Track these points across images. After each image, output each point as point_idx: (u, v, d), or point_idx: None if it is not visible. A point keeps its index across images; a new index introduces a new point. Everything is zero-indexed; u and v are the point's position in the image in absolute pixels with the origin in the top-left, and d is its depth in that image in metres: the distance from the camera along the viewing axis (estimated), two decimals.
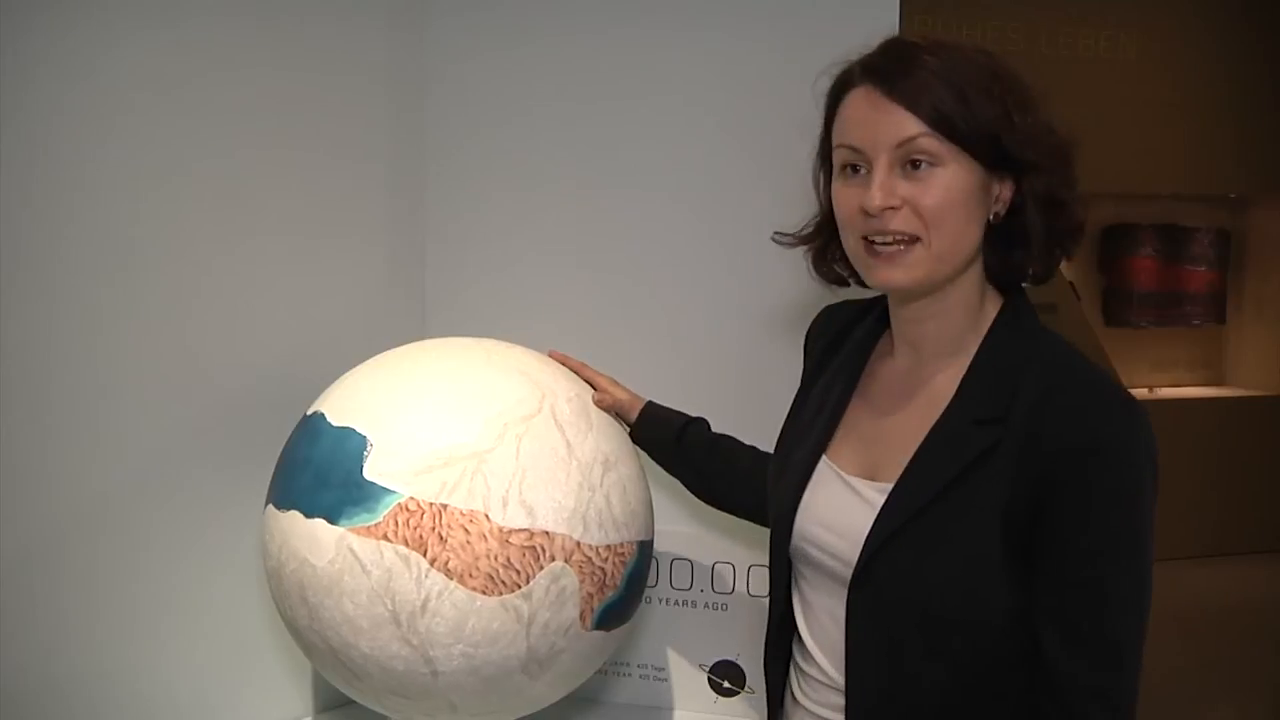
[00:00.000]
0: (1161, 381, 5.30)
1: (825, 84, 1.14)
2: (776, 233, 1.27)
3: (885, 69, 1.08)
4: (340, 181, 1.66)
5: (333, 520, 1.23)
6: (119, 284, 1.39)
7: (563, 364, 1.46)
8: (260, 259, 1.55)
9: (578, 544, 1.25)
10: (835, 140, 1.13)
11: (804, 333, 1.38)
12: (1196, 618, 4.19)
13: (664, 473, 1.53)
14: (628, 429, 1.49)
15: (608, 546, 1.28)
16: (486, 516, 1.21)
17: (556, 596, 1.24)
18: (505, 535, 1.21)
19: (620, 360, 1.56)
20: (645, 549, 1.38)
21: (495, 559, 1.20)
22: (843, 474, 1.17)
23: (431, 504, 1.21)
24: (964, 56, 1.08)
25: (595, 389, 1.46)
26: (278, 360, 1.56)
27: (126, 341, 1.40)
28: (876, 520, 1.10)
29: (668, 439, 1.48)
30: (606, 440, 1.36)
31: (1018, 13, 4.55)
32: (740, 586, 1.66)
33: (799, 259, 1.26)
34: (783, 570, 1.23)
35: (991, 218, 1.11)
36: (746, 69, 1.68)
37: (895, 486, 1.11)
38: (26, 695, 1.33)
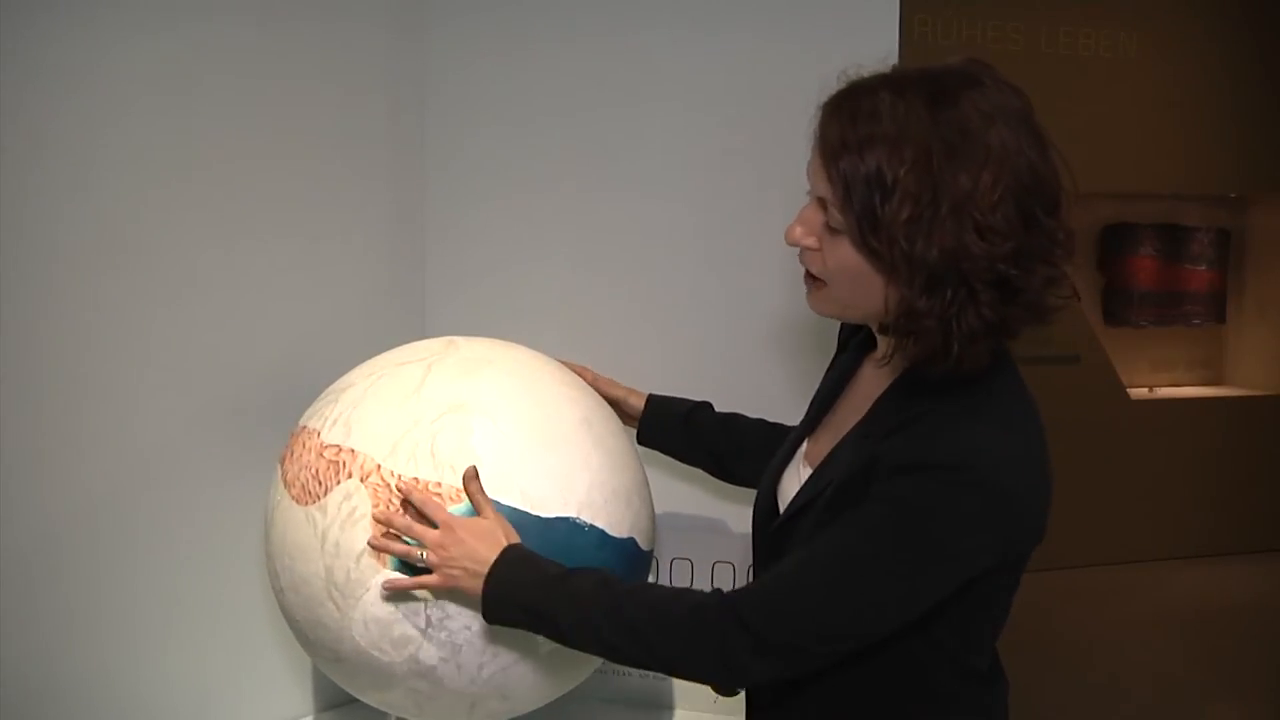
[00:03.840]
0: (1161, 381, 5.28)
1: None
2: None
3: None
4: (340, 182, 1.66)
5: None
6: (119, 285, 1.39)
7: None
8: (260, 259, 1.55)
9: (378, 465, 1.23)
10: None
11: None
12: (1196, 618, 4.19)
13: (655, 478, 1.53)
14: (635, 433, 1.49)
15: (416, 479, 1.22)
16: (318, 434, 1.29)
17: (348, 515, 1.22)
18: (321, 449, 1.27)
19: (620, 360, 1.56)
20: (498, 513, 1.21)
21: (310, 470, 1.27)
22: (804, 461, 1.23)
23: (302, 426, 1.34)
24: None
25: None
26: (278, 360, 1.56)
27: (126, 341, 1.40)
28: (785, 507, 1.18)
29: (675, 424, 1.50)
30: (479, 393, 1.28)
31: (1018, 13, 4.53)
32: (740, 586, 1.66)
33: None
34: (763, 542, 1.26)
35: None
36: (745, 70, 1.68)
37: (803, 484, 1.17)
38: (26, 695, 1.33)
